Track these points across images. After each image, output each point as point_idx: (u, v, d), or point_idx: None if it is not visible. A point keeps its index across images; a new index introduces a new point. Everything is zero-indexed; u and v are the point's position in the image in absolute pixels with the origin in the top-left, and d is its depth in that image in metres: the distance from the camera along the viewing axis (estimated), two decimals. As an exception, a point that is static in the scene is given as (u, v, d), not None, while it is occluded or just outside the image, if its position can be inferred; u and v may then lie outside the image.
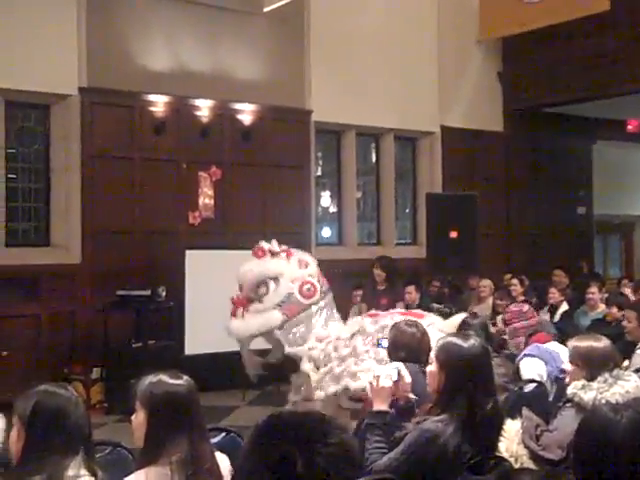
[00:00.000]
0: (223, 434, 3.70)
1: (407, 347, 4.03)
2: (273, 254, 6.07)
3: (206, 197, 9.29)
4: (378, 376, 3.35)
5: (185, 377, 2.76)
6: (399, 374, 3.39)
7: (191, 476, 2.54)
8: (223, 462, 2.79)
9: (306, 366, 5.69)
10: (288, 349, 5.84)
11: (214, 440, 3.48)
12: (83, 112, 8.64)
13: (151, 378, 2.71)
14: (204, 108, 9.41)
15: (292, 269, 5.95)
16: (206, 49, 9.45)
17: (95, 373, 8.26)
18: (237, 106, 9.67)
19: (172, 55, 9.26)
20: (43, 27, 8.31)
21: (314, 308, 5.91)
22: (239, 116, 9.69)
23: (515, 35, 11.26)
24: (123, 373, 7.68)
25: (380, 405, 3.30)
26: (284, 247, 6.14)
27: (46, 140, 8.71)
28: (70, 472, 2.33)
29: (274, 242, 6.14)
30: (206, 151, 9.35)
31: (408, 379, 3.40)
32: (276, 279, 5.90)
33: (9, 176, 8.45)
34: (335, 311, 6.10)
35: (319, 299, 5.95)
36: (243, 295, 5.97)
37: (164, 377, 2.71)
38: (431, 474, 2.93)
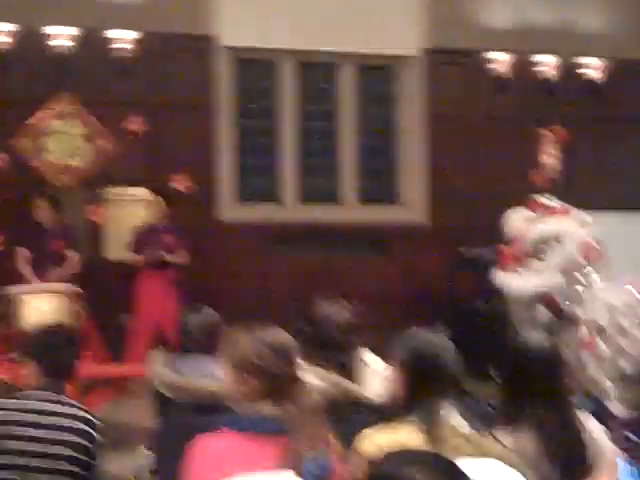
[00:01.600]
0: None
1: None
2: (549, 210, 5.94)
3: (550, 157, 8.91)
4: None
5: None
6: None
7: None
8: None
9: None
10: (567, 306, 5.56)
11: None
12: (428, 73, 8.75)
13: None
14: (548, 64, 9.03)
15: (575, 229, 5.79)
16: (550, 2, 9.05)
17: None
18: (584, 61, 9.17)
19: (515, 11, 9.00)
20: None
21: (590, 270, 5.67)
22: (586, 71, 9.17)
23: None
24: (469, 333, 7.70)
25: None
26: (560, 204, 5.97)
27: (392, 101, 8.93)
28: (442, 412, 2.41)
29: (554, 199, 5.97)
30: (550, 109, 8.94)
31: None
32: (558, 238, 5.73)
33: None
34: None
35: (596, 262, 5.70)
36: (520, 250, 5.85)
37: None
38: None
